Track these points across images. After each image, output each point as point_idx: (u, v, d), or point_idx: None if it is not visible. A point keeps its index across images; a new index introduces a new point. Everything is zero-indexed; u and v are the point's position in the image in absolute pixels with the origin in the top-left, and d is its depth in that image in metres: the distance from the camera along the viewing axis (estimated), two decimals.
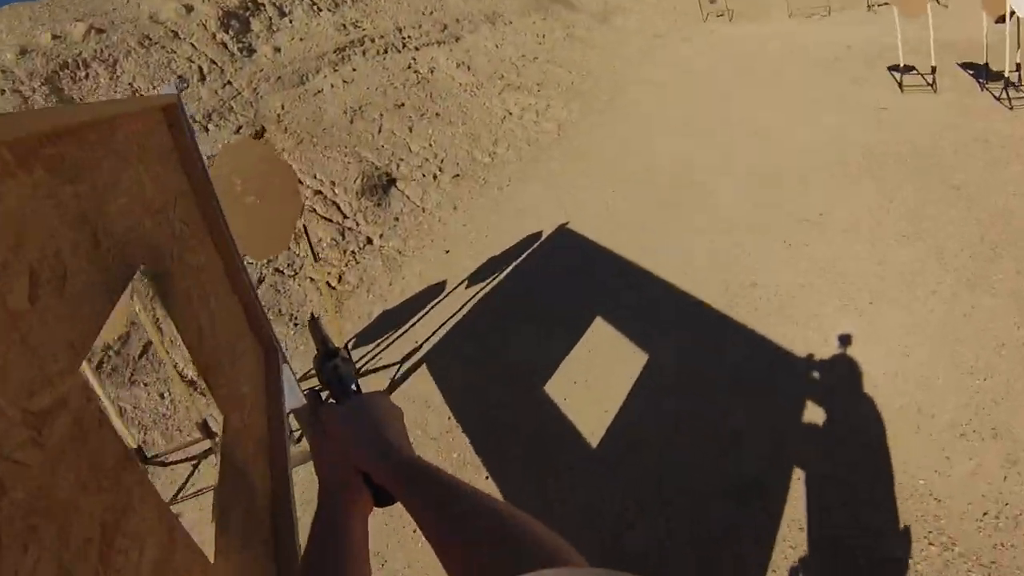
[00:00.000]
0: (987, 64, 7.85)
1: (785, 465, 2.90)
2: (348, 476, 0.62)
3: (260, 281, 5.09)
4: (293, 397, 1.77)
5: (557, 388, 3.68)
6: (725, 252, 4.86)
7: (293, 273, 5.29)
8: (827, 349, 3.66)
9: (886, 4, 13.61)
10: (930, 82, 7.95)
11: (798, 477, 2.84)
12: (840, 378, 3.42)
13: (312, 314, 1.18)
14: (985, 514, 2.52)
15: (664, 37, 12.99)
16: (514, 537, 0.45)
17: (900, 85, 8.22)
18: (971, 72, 8.44)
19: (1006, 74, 7.15)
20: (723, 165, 6.52)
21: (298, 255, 5.36)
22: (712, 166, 6.53)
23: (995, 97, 7.35)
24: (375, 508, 0.63)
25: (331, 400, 0.71)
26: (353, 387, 0.71)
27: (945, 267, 4.26)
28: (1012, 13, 6.91)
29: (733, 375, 3.56)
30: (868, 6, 13.70)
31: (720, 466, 2.96)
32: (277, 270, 5.28)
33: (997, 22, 7.35)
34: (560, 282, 4.72)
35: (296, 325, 4.78)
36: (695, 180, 6.26)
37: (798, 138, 6.96)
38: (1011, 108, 6.97)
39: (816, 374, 3.50)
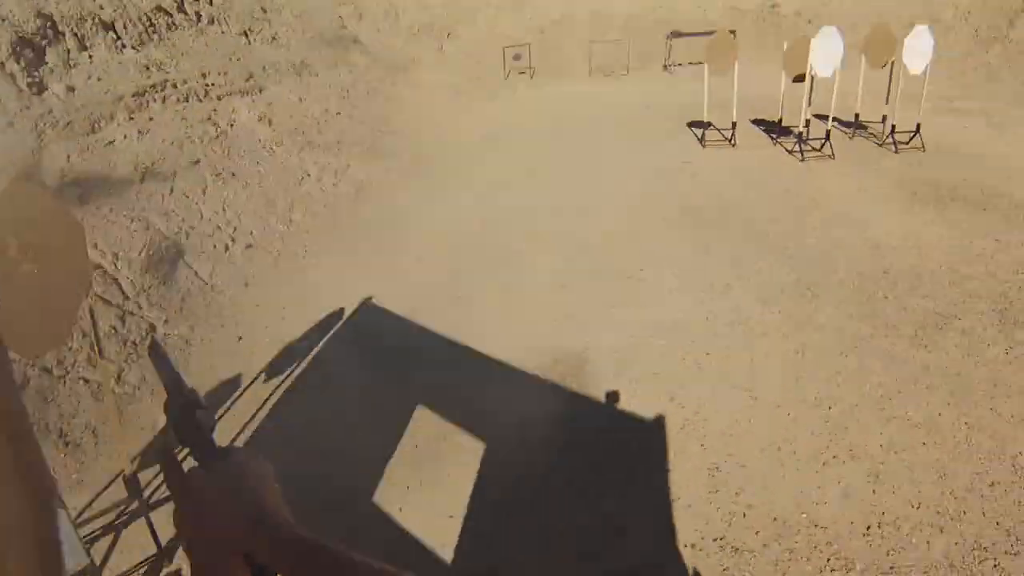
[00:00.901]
0: (780, 120, 9.81)
1: (666, 547, 3.15)
2: (226, 557, 0.62)
3: (24, 385, 4.34)
4: (74, 555, 1.50)
5: (389, 497, 3.60)
6: (549, 319, 5.27)
7: (63, 373, 4.61)
8: (674, 405, 4.11)
9: (680, 65, 16.60)
10: (729, 137, 9.69)
11: (684, 546, 3.09)
12: (695, 431, 3.85)
13: (153, 339, 0.99)
14: (868, 527, 3.11)
15: (468, 94, 14.17)
16: None
17: (701, 140, 9.92)
18: (763, 127, 10.48)
19: (800, 129, 9.01)
20: (536, 227, 7.11)
21: (69, 347, 4.70)
22: (525, 228, 7.09)
23: (787, 151, 9.17)
24: None
25: (193, 460, 0.69)
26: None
27: (770, 310, 5.11)
28: (810, 74, 8.78)
29: (571, 441, 3.86)
30: (664, 66, 16.38)
31: (577, 533, 3.12)
32: (45, 369, 4.55)
33: (795, 81, 9.33)
34: (368, 370, 4.78)
35: (67, 444, 4.12)
36: (508, 244, 6.73)
37: (610, 195, 8.01)
38: (803, 160, 8.77)
39: (666, 432, 3.89)
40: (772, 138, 9.99)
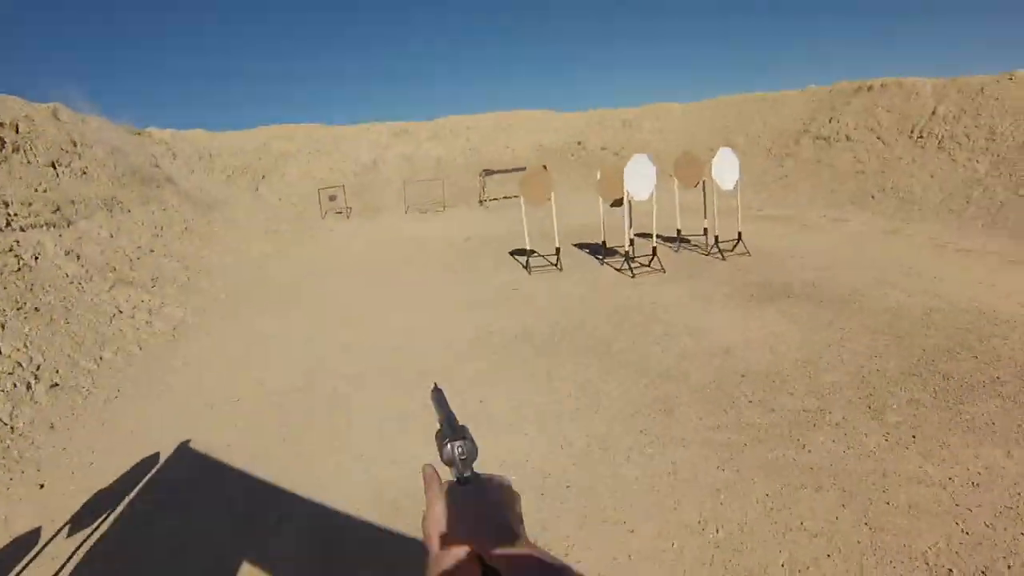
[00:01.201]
0: (604, 242, 10.14)
1: None
2: (465, 558, 0.76)
3: None
4: None
5: None
6: (385, 479, 4.52)
7: None
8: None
9: (496, 199, 17.42)
10: (555, 262, 9.79)
11: None
12: None
13: (435, 384, 1.09)
14: None
15: (285, 234, 14.24)
16: None
17: (527, 267, 9.95)
18: (588, 250, 10.78)
19: (625, 248, 9.26)
20: (363, 371, 6.59)
21: None
22: (352, 374, 6.54)
23: (616, 269, 9.36)
24: None
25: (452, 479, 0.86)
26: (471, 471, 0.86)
27: (629, 431, 4.73)
28: (627, 199, 9.17)
29: None
30: (480, 201, 17.21)
31: None
32: None
33: (613, 205, 9.72)
34: (185, 522, 4.25)
35: None
36: (333, 392, 6.13)
37: (442, 329, 7.64)
38: (633, 276, 8.93)
39: None
40: (599, 259, 10.26)
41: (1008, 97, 13.95)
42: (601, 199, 9.96)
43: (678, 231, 10.53)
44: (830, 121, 18.71)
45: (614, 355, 6.27)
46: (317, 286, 10.32)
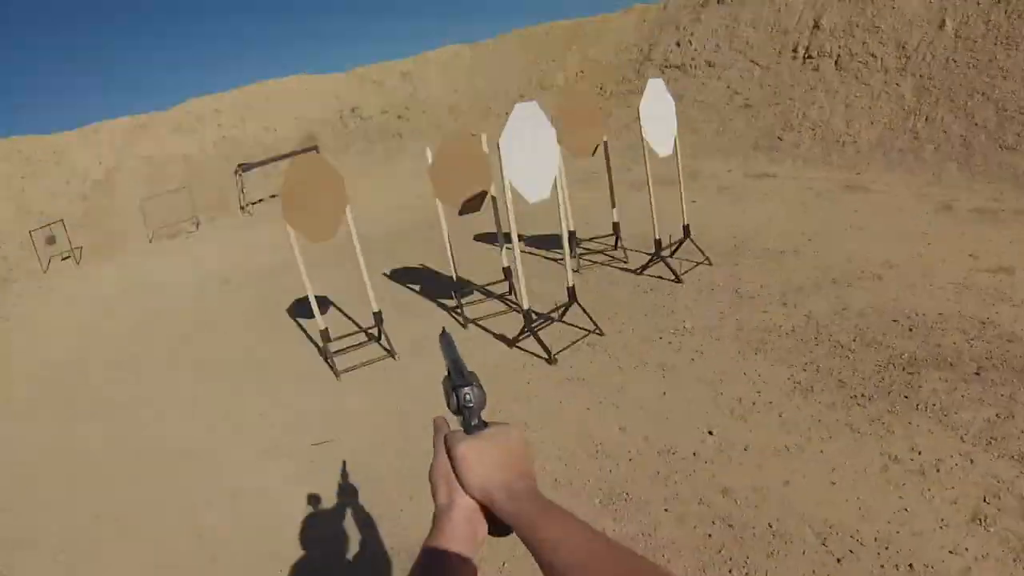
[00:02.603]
0: (456, 276, 5.65)
1: None
2: (469, 503, 0.72)
3: None
4: None
5: None
6: None
7: None
8: None
9: (261, 201, 12.98)
10: (378, 337, 5.30)
11: None
12: None
13: (444, 329, 0.97)
14: None
15: None
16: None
17: (329, 360, 5.47)
18: (423, 285, 6.45)
19: (520, 297, 4.92)
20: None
21: None
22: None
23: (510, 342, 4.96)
24: (488, 536, 0.73)
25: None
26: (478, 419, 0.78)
27: None
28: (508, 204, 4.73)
29: None
30: (241, 208, 12.57)
31: None
32: None
33: (464, 212, 5.75)
34: None
35: None
36: None
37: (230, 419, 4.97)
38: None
39: None
40: (458, 317, 5.84)
41: (907, 5, 10.91)
42: (439, 199, 5.48)
43: (571, 234, 6.28)
44: (678, 45, 15.18)
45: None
46: (42, 371, 7.19)
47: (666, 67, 15.12)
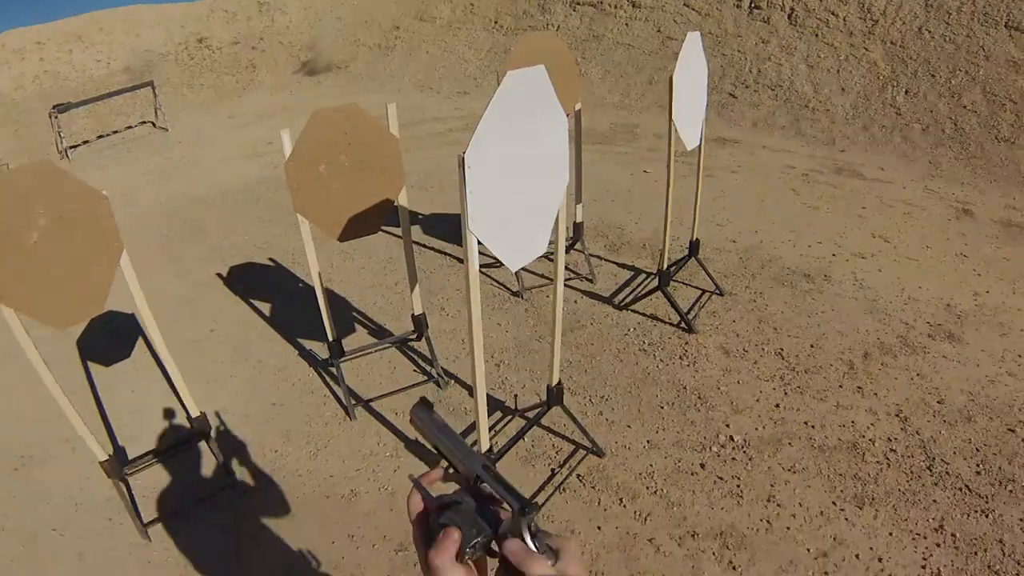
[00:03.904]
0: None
1: None
2: None
3: None
4: None
5: None
6: None
7: None
8: None
9: (86, 143, 10.10)
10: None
11: None
12: None
13: (423, 399, 0.73)
14: None
15: None
16: None
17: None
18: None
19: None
20: None
21: None
22: None
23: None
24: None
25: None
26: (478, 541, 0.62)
27: None
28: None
29: None
30: (59, 152, 9.75)
31: None
32: None
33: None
34: None
35: None
36: None
37: None
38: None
39: None
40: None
41: None
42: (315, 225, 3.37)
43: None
44: None
45: None
46: None
47: (578, 4, 13.06)
